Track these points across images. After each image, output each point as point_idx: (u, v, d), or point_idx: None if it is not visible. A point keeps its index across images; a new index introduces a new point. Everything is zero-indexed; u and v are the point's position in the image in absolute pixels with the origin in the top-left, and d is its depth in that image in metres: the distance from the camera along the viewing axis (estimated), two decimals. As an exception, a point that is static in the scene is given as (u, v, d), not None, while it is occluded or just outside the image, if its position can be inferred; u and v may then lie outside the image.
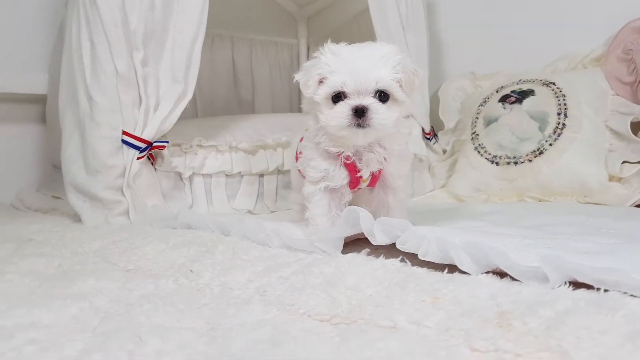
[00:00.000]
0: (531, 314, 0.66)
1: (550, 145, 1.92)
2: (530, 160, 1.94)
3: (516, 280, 0.81)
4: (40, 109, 2.38)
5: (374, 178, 1.26)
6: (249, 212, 1.79)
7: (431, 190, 2.16)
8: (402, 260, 0.89)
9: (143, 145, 1.53)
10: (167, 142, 1.58)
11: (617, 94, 1.95)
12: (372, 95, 1.11)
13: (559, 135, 1.92)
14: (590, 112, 1.93)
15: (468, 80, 2.38)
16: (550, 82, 2.04)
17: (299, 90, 2.98)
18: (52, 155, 2.25)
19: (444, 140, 2.32)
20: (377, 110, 1.09)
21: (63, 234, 1.42)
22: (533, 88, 2.06)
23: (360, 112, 1.08)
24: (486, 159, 2.05)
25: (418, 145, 2.12)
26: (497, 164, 2.01)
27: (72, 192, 1.61)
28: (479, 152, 2.08)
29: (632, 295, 0.71)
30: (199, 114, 2.63)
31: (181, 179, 1.71)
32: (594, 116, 1.92)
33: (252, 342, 0.68)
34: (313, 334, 0.69)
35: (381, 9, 1.96)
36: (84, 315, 0.79)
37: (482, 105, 2.18)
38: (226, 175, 1.78)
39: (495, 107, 2.11)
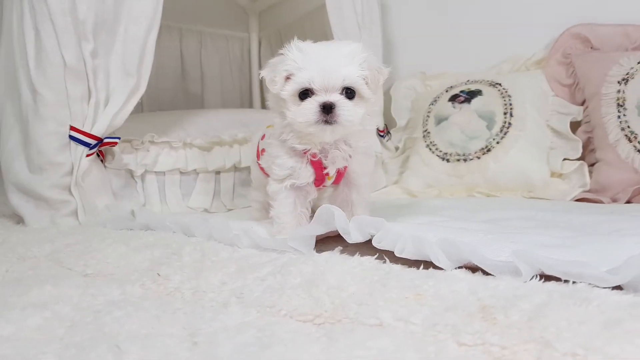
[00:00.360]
0: (512, 307, 0.68)
1: (498, 143, 2.00)
2: (478, 158, 2.01)
3: (489, 274, 0.84)
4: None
5: (339, 175, 1.27)
6: (205, 210, 1.75)
7: (385, 186, 2.19)
8: (379, 258, 0.90)
9: (93, 142, 1.45)
10: (119, 138, 1.51)
11: (557, 95, 2.06)
12: (339, 92, 1.11)
13: (505, 133, 2.00)
14: (533, 112, 2.02)
15: (418, 80, 2.44)
16: (497, 83, 2.12)
17: (250, 85, 2.98)
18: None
19: (396, 137, 2.36)
20: (345, 107, 1.10)
21: (6, 237, 1.32)
22: (481, 88, 2.14)
23: (328, 109, 1.09)
24: (437, 156, 2.11)
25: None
26: (447, 160, 2.08)
27: (13, 192, 1.50)
28: (430, 149, 2.13)
29: (595, 286, 0.75)
30: (144, 108, 2.53)
31: (132, 177, 1.64)
32: (537, 116, 2.03)
33: (238, 346, 0.66)
34: (301, 335, 0.68)
35: (338, 7, 1.97)
36: (48, 325, 0.74)
37: (432, 104, 2.24)
38: (181, 172, 1.73)
39: (445, 107, 2.17)
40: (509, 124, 2.01)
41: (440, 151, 2.11)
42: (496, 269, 0.83)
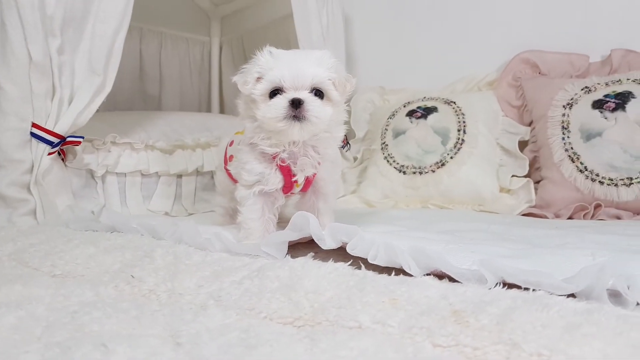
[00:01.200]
0: (481, 312, 0.73)
1: (451, 158, 2.10)
2: (433, 171, 2.10)
3: (455, 281, 0.89)
4: None
5: (307, 183, 1.30)
6: (166, 214, 1.73)
7: (343, 195, 2.24)
8: (352, 264, 0.93)
9: (55, 140, 1.41)
10: (83, 137, 1.48)
11: (507, 116, 2.19)
12: (308, 91, 1.15)
13: (458, 149, 2.10)
14: (484, 130, 2.14)
15: (377, 94, 2.52)
16: (452, 101, 2.23)
17: (209, 90, 2.96)
18: None
19: (355, 148, 2.43)
20: (313, 103, 1.13)
21: (-40, 236, 1.27)
22: (436, 105, 2.23)
23: (296, 104, 1.12)
24: (394, 168, 2.18)
25: (333, 152, 2.20)
26: (404, 173, 2.15)
27: (-35, 189, 1.44)
28: (388, 161, 2.21)
29: (553, 294, 0.82)
30: (100, 107, 2.47)
31: (93, 177, 1.60)
32: (488, 134, 2.14)
33: (224, 347, 0.68)
34: (284, 337, 0.71)
35: (305, 19, 2.01)
36: (24, 324, 0.73)
37: (391, 117, 2.31)
38: (142, 174, 1.71)
39: (403, 121, 2.26)
40: (462, 140, 2.11)
41: (397, 163, 2.19)
42: (462, 277, 0.88)
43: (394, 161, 2.19)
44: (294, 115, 1.13)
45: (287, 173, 1.25)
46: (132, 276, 0.94)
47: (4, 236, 1.19)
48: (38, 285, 0.88)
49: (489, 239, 1.34)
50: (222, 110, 2.91)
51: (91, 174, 1.60)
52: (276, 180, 1.24)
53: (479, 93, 2.30)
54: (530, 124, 2.12)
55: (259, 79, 1.17)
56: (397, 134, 2.24)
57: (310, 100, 1.13)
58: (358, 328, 0.74)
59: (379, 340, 0.69)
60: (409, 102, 2.33)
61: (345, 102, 1.28)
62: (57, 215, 1.36)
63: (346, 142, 2.37)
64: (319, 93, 1.17)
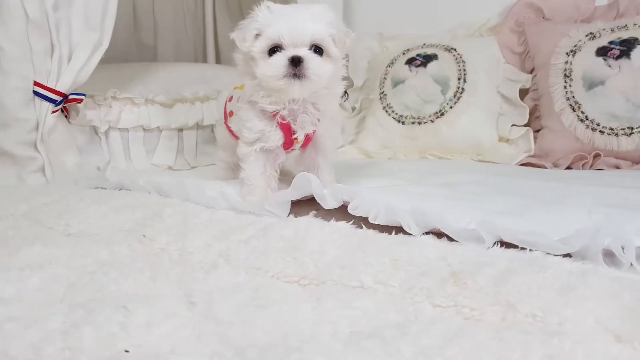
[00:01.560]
0: (479, 273, 0.77)
1: (451, 107, 2.09)
2: (432, 121, 2.10)
3: (453, 240, 0.92)
4: None
5: (307, 139, 1.31)
6: (170, 167, 1.76)
7: (341, 146, 2.25)
8: (355, 224, 0.97)
9: (58, 98, 1.42)
10: (85, 95, 1.48)
11: (508, 63, 2.16)
12: (308, 48, 1.14)
13: (458, 98, 2.10)
14: (485, 78, 2.11)
15: (375, 41, 2.47)
16: (452, 48, 2.19)
17: (204, 38, 2.89)
18: None
19: (353, 97, 2.42)
20: (313, 61, 1.13)
21: (-27, 196, 1.29)
22: (437, 53, 2.20)
23: (296, 62, 1.12)
24: (393, 118, 2.18)
25: (331, 102, 2.19)
26: (403, 123, 2.16)
27: (-24, 149, 1.46)
28: (386, 111, 2.21)
29: (549, 254, 0.85)
30: (97, 58, 2.44)
31: (96, 133, 1.62)
32: (488, 82, 2.12)
33: (236, 306, 0.72)
34: (291, 296, 0.75)
35: (302, -35, 1.95)
36: (47, 286, 0.77)
37: (389, 66, 2.29)
38: (144, 129, 1.72)
39: (402, 69, 2.23)
40: (462, 89, 2.10)
41: (396, 113, 2.19)
42: (461, 236, 0.92)
43: (392, 111, 2.19)
44: (293, 74, 1.12)
45: (287, 130, 1.26)
46: (144, 235, 0.97)
47: (17, 195, 1.22)
48: (55, 244, 0.92)
49: (487, 192, 1.36)
50: (218, 60, 2.87)
51: (95, 130, 1.61)
52: (277, 137, 1.25)
53: (480, 39, 2.26)
54: (531, 72, 2.10)
55: (257, 35, 1.16)
56: (396, 83, 2.22)
57: (310, 58, 1.13)
58: (360, 287, 0.78)
59: (380, 300, 0.74)
60: (408, 50, 2.29)
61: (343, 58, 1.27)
62: (65, 172, 1.39)
63: (344, 92, 2.36)
64: (318, 49, 1.16)
